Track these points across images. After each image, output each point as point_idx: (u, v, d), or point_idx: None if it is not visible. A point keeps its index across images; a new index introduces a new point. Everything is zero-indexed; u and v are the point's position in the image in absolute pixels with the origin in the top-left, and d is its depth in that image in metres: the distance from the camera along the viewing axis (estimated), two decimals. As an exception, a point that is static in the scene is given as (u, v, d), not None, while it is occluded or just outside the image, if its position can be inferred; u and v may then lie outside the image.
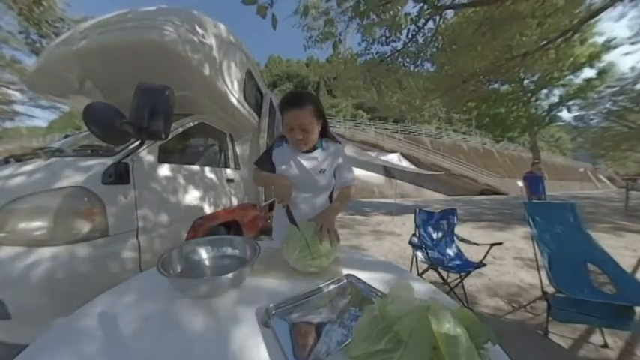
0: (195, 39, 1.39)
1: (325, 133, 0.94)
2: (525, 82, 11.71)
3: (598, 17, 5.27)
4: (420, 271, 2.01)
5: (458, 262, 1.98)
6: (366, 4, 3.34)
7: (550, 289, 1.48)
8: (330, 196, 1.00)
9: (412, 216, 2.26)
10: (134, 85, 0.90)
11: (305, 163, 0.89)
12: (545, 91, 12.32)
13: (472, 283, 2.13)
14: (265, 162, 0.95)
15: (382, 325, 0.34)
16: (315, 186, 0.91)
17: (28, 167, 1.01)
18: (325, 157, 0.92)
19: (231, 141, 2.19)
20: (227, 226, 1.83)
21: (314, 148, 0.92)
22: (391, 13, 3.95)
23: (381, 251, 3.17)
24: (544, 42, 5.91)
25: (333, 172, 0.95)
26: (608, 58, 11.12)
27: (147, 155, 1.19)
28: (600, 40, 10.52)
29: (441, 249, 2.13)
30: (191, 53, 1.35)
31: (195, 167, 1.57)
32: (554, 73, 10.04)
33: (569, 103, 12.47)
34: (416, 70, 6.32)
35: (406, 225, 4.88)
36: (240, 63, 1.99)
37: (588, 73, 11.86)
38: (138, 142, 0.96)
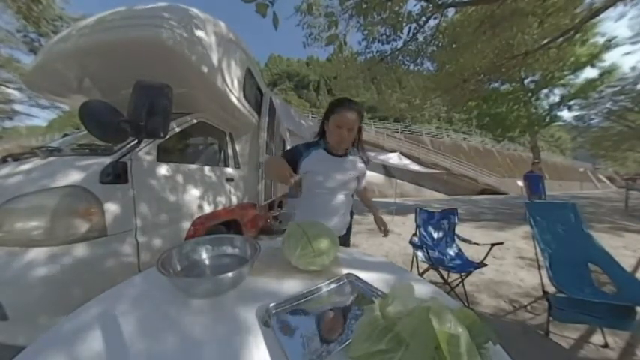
0: (194, 37, 1.38)
1: (359, 144, 1.08)
2: (526, 81, 11.67)
3: (599, 17, 5.25)
4: (420, 271, 2.01)
5: (458, 261, 1.98)
6: (368, 3, 3.33)
7: (551, 289, 1.48)
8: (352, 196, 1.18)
9: (412, 215, 2.26)
10: (133, 83, 0.89)
11: (337, 165, 1.03)
12: (545, 90, 12.28)
13: (473, 282, 2.13)
14: (290, 155, 1.02)
15: (383, 325, 0.34)
16: (341, 183, 1.04)
17: (26, 166, 1.00)
18: (352, 164, 1.07)
19: (230, 140, 2.18)
20: (227, 225, 1.82)
21: (346, 154, 1.05)
22: (395, 9, 3.93)
23: (381, 251, 3.17)
24: (545, 41, 5.89)
25: (356, 179, 1.11)
26: (608, 57, 11.11)
27: (145, 154, 1.18)
28: (601, 40, 10.50)
29: (441, 249, 2.13)
30: (190, 51, 1.34)
31: (195, 166, 1.57)
32: (554, 73, 10.00)
33: (570, 102, 12.44)
34: (416, 68, 6.30)
35: (406, 224, 4.88)
36: (239, 61, 1.98)
37: (589, 72, 11.85)
38: (136, 141, 0.95)
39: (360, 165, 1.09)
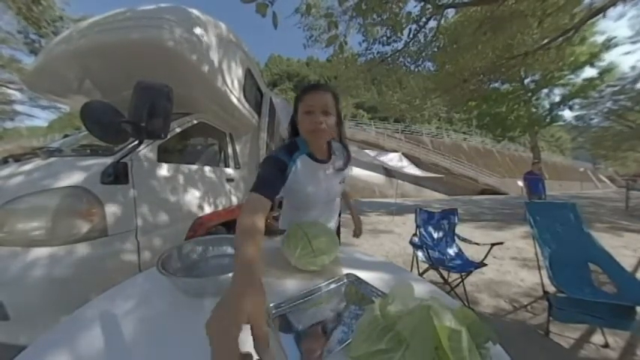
0: (195, 38, 1.39)
1: (340, 137, 0.88)
2: (526, 81, 11.70)
3: (599, 16, 5.25)
4: (420, 271, 2.01)
5: (459, 261, 1.98)
6: (367, 4, 3.34)
7: (551, 289, 1.48)
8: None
9: (412, 215, 2.26)
10: (133, 84, 0.89)
11: (324, 173, 0.83)
12: (545, 90, 12.31)
13: (473, 282, 2.13)
14: (271, 185, 0.65)
15: (383, 324, 0.34)
16: (330, 193, 0.89)
17: (27, 167, 1.00)
18: (342, 165, 0.88)
19: (231, 140, 2.18)
20: (227, 225, 1.82)
21: (330, 156, 0.85)
22: (395, 11, 3.95)
23: (381, 251, 3.17)
24: (545, 41, 5.89)
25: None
26: (608, 57, 11.14)
27: (146, 154, 1.19)
28: (601, 39, 10.52)
29: (441, 249, 2.13)
30: (190, 52, 1.35)
31: (195, 166, 1.57)
32: (554, 73, 10.02)
33: (571, 102, 12.47)
34: (416, 69, 6.32)
35: (406, 224, 4.88)
36: (240, 62, 1.98)
37: (589, 72, 11.87)
38: (137, 142, 0.96)
39: (346, 161, 0.90)
